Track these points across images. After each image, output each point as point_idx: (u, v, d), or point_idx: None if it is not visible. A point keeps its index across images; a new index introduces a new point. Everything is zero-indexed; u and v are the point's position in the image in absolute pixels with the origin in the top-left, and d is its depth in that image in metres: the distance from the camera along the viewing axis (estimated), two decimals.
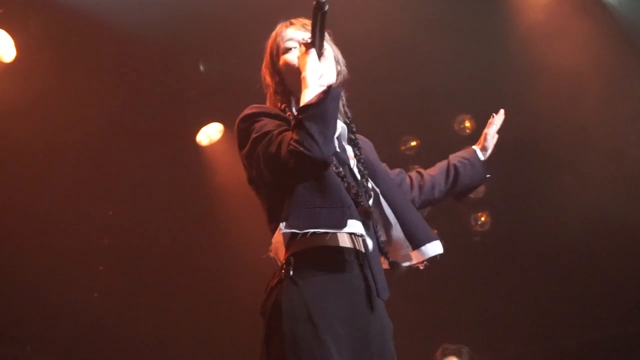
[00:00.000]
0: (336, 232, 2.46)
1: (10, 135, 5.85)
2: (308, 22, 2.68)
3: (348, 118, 2.78)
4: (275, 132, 2.49)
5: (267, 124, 2.55)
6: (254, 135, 2.53)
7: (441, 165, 3.10)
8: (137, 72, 5.99)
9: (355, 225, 2.46)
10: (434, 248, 2.64)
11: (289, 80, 2.69)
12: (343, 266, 2.46)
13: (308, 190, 2.46)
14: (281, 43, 2.74)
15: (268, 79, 2.77)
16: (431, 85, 6.05)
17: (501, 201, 6.82)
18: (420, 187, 2.99)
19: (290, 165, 2.40)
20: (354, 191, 2.54)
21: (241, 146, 2.59)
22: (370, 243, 2.50)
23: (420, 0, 5.74)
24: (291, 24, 2.76)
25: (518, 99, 5.97)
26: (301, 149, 2.36)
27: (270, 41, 2.78)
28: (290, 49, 2.71)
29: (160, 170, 6.51)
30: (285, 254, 2.50)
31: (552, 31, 5.80)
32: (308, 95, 2.47)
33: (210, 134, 6.80)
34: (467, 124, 6.62)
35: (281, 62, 2.72)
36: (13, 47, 5.62)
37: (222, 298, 6.86)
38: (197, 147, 6.76)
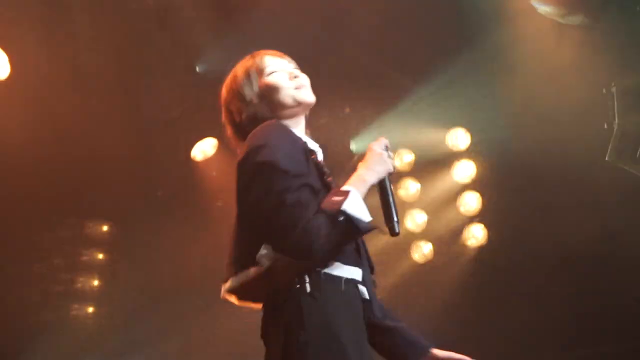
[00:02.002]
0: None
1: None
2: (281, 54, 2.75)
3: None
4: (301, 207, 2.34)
5: (288, 182, 2.37)
6: (269, 198, 2.37)
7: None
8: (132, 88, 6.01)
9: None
10: None
11: (275, 98, 2.65)
12: (349, 289, 2.46)
13: None
14: (263, 66, 2.69)
15: (247, 103, 2.66)
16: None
17: (504, 216, 6.83)
18: (393, 328, 2.75)
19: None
20: None
21: (245, 189, 2.45)
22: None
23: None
24: (266, 53, 2.75)
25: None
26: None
27: (237, 72, 2.73)
28: (273, 72, 2.69)
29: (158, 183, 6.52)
30: (293, 271, 2.42)
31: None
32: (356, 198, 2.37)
33: (204, 149, 6.78)
34: None
35: (262, 83, 2.66)
36: (7, 64, 5.61)
37: (220, 319, 6.81)
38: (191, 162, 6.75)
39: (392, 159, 2.53)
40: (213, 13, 5.70)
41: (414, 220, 7.05)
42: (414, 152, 7.12)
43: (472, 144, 6.95)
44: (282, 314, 2.39)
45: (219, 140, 6.71)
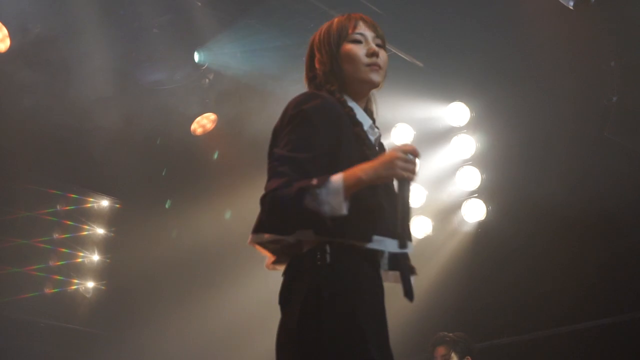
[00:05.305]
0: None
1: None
2: (377, 25, 2.69)
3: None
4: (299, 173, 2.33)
5: (310, 139, 2.40)
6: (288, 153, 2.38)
7: None
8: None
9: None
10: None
11: (347, 68, 2.62)
12: (373, 263, 2.46)
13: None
14: (350, 29, 2.66)
15: (323, 61, 2.65)
16: None
17: (502, 191, 6.86)
18: None
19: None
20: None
21: (279, 142, 2.46)
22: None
23: None
24: (362, 18, 2.70)
25: None
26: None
27: (333, 24, 2.69)
28: (357, 40, 2.65)
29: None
30: (314, 240, 2.39)
31: None
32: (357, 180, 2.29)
33: (204, 123, 6.78)
34: None
35: (344, 49, 2.64)
36: (7, 38, 5.59)
37: (220, 295, 6.85)
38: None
39: (413, 168, 2.34)
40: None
41: (413, 195, 7.04)
42: (412, 127, 7.14)
43: (471, 118, 6.97)
44: (302, 282, 2.37)
45: (217, 115, 6.72)
